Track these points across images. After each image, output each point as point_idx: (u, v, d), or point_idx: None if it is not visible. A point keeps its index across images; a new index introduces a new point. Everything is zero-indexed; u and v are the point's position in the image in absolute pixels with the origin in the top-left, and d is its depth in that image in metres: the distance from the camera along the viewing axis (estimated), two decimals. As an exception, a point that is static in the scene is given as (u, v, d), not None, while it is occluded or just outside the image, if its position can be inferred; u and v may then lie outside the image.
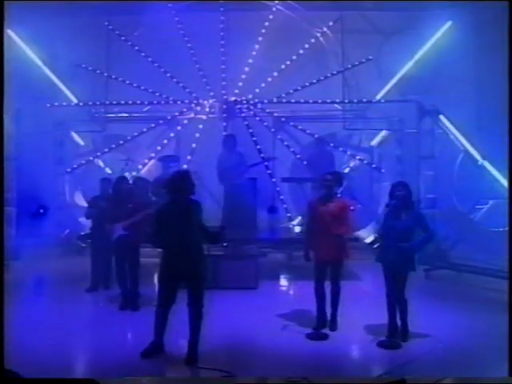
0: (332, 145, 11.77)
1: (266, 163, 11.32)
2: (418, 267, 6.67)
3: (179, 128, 11.97)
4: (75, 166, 11.93)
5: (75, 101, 12.20)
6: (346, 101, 12.07)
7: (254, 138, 11.63)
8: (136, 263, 7.85)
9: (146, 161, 11.82)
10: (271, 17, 12.04)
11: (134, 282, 7.84)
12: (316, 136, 11.75)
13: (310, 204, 7.06)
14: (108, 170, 12.15)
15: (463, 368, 5.50)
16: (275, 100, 11.98)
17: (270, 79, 12.05)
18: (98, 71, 12.07)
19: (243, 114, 11.93)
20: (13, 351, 5.26)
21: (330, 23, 12.17)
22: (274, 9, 12.10)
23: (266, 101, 11.94)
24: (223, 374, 5.35)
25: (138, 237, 7.62)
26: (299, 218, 11.36)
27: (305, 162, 11.63)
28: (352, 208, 7.65)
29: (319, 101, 11.88)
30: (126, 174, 11.14)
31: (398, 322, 6.45)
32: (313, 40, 12.16)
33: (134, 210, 7.65)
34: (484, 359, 5.75)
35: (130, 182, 8.58)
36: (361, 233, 10.53)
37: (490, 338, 6.23)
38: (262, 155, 11.42)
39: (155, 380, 5.41)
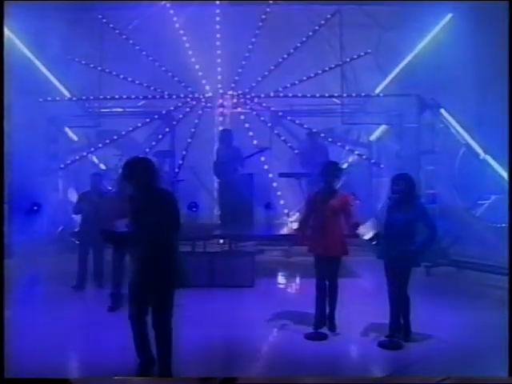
0: (330, 140, 11.62)
1: (261, 155, 11.07)
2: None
3: (174, 123, 11.82)
4: (69, 161, 11.77)
5: (68, 95, 12.00)
6: (345, 95, 11.89)
7: (251, 133, 11.45)
8: None
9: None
10: (268, 9, 11.84)
11: None
12: (308, 130, 11.58)
13: (309, 197, 6.82)
14: (102, 166, 12.01)
15: (464, 366, 5.38)
16: (272, 94, 11.81)
17: (267, 73, 11.87)
18: (91, 65, 11.86)
19: (240, 109, 11.76)
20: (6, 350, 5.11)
21: (328, 16, 11.95)
22: (270, 1, 11.89)
23: (262, 95, 11.78)
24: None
25: None
26: (297, 214, 11.21)
27: (296, 151, 11.47)
28: (352, 204, 7.47)
29: (317, 95, 11.75)
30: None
31: (400, 321, 6.23)
32: (310, 33, 11.93)
33: None
34: (484, 358, 5.60)
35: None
36: (359, 229, 10.36)
37: (490, 335, 6.08)
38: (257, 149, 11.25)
39: (147, 379, 5.18)
